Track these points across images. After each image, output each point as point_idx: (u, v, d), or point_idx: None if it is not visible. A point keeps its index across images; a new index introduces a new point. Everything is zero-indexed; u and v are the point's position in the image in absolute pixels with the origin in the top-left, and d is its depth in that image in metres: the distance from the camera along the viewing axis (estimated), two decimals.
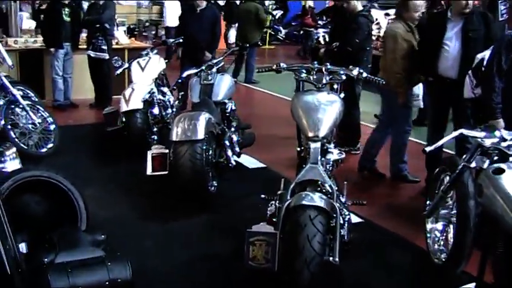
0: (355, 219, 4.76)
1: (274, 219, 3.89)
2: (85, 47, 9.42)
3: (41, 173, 4.05)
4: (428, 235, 4.43)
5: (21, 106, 6.62)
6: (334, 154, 4.12)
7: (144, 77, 7.24)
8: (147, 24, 17.77)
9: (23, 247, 3.97)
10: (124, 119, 6.75)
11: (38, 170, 4.13)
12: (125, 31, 13.61)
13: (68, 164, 6.42)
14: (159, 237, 4.71)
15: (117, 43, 10.33)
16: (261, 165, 6.71)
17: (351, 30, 6.90)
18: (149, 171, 5.37)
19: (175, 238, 4.70)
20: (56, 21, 8.99)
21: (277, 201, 4.03)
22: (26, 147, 6.55)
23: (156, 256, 4.40)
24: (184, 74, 6.63)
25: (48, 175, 4.04)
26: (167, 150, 5.37)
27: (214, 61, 6.45)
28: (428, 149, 3.98)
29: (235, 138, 6.08)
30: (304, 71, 4.35)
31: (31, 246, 3.87)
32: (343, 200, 4.21)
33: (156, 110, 6.99)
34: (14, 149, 5.05)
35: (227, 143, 5.72)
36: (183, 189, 5.19)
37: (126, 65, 7.55)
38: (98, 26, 9.06)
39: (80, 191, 4.13)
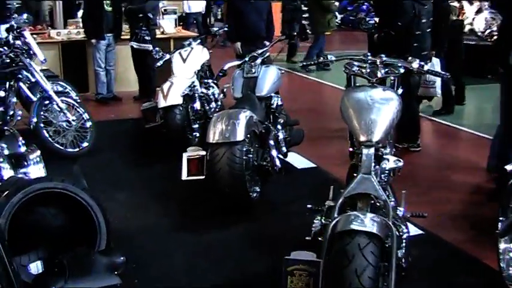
0: (413, 230, 4.12)
1: (319, 238, 3.31)
2: (128, 37, 9.01)
3: (55, 184, 3.56)
4: (501, 257, 3.74)
5: (54, 103, 6.22)
6: (391, 162, 3.46)
7: (185, 69, 6.73)
8: None
9: (38, 266, 3.58)
10: (162, 116, 6.28)
11: (53, 180, 3.64)
12: (176, 20, 13.28)
13: (101, 164, 6.04)
14: (191, 252, 4.19)
15: (162, 32, 9.91)
16: (311, 164, 6.12)
17: (391, 11, 6.20)
18: (184, 175, 4.86)
19: (209, 254, 4.17)
20: (97, 11, 8.61)
21: (324, 217, 3.43)
22: (59, 147, 6.16)
23: (186, 275, 3.90)
24: (226, 66, 6.10)
25: (63, 187, 3.56)
26: (204, 153, 4.85)
27: (259, 51, 5.87)
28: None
29: (281, 136, 5.50)
30: (355, 63, 3.72)
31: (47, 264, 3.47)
32: (400, 213, 3.57)
33: (197, 105, 6.48)
34: (38, 153, 4.62)
35: (272, 142, 5.13)
36: (220, 196, 4.68)
37: (167, 57, 7.05)
38: (141, 15, 8.63)
39: (101, 204, 3.62)
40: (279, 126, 5.57)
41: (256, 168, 4.90)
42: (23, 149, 4.86)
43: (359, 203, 3.14)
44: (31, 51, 6.17)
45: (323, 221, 3.37)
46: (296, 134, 5.96)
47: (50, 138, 6.10)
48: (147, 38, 8.66)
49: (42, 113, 6.17)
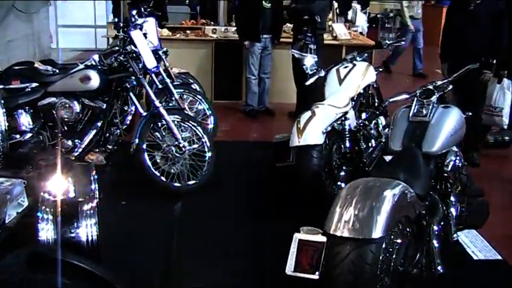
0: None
1: None
2: (290, 40, 7.49)
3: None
4: None
5: (163, 122, 4.89)
6: None
7: (339, 94, 5.05)
8: (391, 14, 15.28)
9: None
10: (295, 156, 4.65)
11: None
12: (367, 21, 11.52)
13: (204, 212, 4.62)
14: None
15: (335, 37, 8.24)
16: (494, 255, 4.13)
17: None
18: (290, 269, 3.14)
19: None
20: (253, 7, 7.18)
21: None
22: (162, 179, 4.82)
23: None
24: (391, 100, 4.30)
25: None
26: (325, 239, 3.12)
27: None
28: None
29: (453, 212, 3.63)
30: None
31: None
32: None
33: (346, 145, 4.75)
34: (94, 203, 3.29)
35: (435, 228, 3.30)
36: None
37: (322, 73, 5.40)
38: (306, 17, 7.04)
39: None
40: (452, 198, 3.68)
41: (400, 274, 3.09)
42: (93, 186, 3.60)
43: None
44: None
45: None
46: (477, 210, 3.99)
47: (151, 167, 4.78)
48: (311, 46, 7.06)
49: (150, 132, 4.89)
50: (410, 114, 3.80)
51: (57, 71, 5.58)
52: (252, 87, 7.52)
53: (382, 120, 5.44)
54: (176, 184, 4.88)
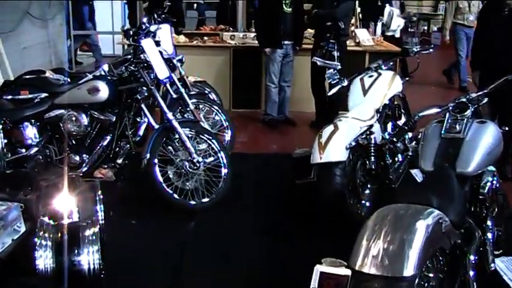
0: None
1: None
2: (310, 46, 7.17)
3: None
4: None
5: (176, 136, 4.60)
6: None
7: (364, 106, 4.73)
8: (414, 18, 14.83)
9: None
10: (316, 173, 4.33)
11: None
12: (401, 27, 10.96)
13: (218, 231, 4.36)
14: None
15: (358, 43, 7.91)
16: None
17: None
18: None
19: None
20: (274, 12, 6.88)
21: None
22: (175, 196, 4.53)
23: None
24: (421, 114, 3.96)
25: None
26: (348, 273, 2.80)
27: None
28: None
29: (490, 238, 3.30)
30: None
31: None
32: None
33: (371, 161, 4.41)
34: (96, 228, 3.04)
35: (471, 258, 2.96)
36: None
37: (345, 83, 5.08)
38: (329, 23, 6.71)
39: None
40: (489, 223, 3.34)
41: None
42: (98, 207, 3.36)
43: None
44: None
45: None
46: None
47: (163, 183, 4.50)
48: (334, 53, 6.71)
49: (163, 146, 4.61)
50: (443, 130, 3.47)
51: (69, 80, 5.35)
52: (272, 95, 7.21)
53: (409, 135, 5.10)
54: (190, 202, 4.59)
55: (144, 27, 4.64)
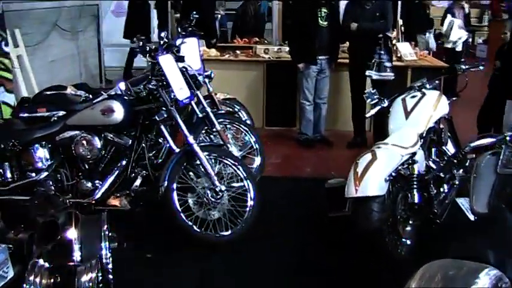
0: None
1: None
2: (345, 61, 6.73)
3: None
4: None
5: (198, 162, 4.19)
6: None
7: (406, 130, 4.24)
8: None
9: None
10: (351, 207, 3.86)
11: None
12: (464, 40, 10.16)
13: (240, 267, 4.00)
14: None
15: (400, 58, 7.41)
16: None
17: None
18: None
19: None
20: (309, 26, 6.45)
21: None
22: (195, 229, 4.12)
23: None
24: (473, 144, 3.47)
25: None
26: None
27: None
28: None
29: None
30: None
31: None
32: None
33: (413, 195, 3.90)
34: (93, 274, 2.64)
35: None
36: None
37: (385, 104, 4.60)
38: (380, 36, 6.28)
39: None
40: None
41: None
42: (102, 244, 2.95)
43: None
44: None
45: None
46: None
47: (182, 214, 4.10)
48: (387, 64, 6.28)
49: (183, 173, 4.20)
50: (499, 165, 2.98)
51: (91, 97, 5.00)
52: (307, 114, 6.76)
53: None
54: (211, 234, 4.17)
55: (162, 42, 4.26)
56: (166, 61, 4.05)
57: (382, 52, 6.25)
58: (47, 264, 2.60)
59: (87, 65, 9.44)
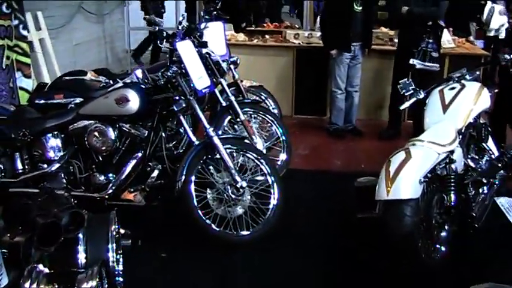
0: None
1: None
2: (377, 47, 6.37)
3: None
4: None
5: (218, 156, 3.92)
6: None
7: (444, 125, 3.89)
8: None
9: None
10: (382, 209, 3.54)
11: None
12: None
13: (260, 269, 3.76)
14: None
15: None
16: None
17: None
18: None
19: None
20: (343, 11, 6.09)
21: None
22: (214, 228, 3.86)
23: None
24: None
25: None
26: None
27: None
28: None
29: None
30: None
31: None
32: None
33: (450, 197, 3.57)
34: (95, 282, 2.40)
35: None
36: None
37: (421, 95, 4.26)
38: (430, 23, 5.92)
39: None
40: None
41: None
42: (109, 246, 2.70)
43: None
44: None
45: None
46: None
47: (199, 211, 3.84)
48: (434, 54, 5.92)
49: (202, 167, 3.94)
50: None
51: (111, 82, 4.76)
52: (338, 102, 6.44)
53: (494, 151, 4.24)
54: (230, 232, 3.90)
55: (180, 27, 3.97)
56: (184, 48, 3.77)
57: (431, 41, 5.92)
58: (46, 270, 2.37)
59: (114, 47, 9.23)
